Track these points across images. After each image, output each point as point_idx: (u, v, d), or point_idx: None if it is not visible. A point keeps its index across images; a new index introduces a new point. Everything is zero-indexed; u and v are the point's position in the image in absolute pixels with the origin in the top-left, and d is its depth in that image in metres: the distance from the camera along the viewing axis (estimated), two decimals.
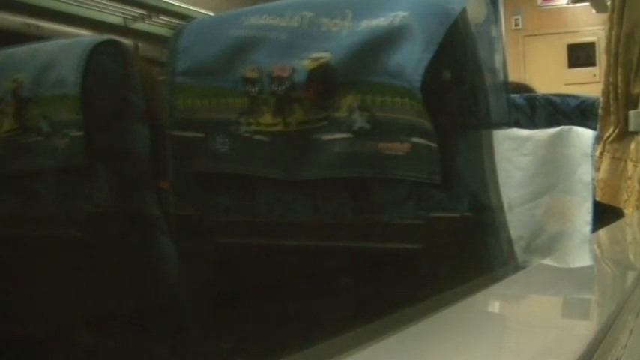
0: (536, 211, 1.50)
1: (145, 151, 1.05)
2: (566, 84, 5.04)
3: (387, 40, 0.87)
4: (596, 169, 1.50)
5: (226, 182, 0.99)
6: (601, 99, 1.51)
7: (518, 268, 0.96)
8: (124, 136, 1.05)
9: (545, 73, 5.27)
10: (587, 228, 1.45)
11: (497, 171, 0.92)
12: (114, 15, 2.88)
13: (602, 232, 1.25)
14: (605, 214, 1.47)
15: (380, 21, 0.88)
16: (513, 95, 1.64)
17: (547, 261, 1.08)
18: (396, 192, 0.89)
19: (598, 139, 1.51)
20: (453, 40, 0.85)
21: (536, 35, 5.74)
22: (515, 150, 1.51)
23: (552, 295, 0.66)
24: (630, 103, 1.47)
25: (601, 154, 1.50)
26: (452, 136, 0.86)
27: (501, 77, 0.99)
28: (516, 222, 1.39)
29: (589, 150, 1.50)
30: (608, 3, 1.55)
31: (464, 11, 0.86)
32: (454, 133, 0.87)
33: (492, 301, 0.63)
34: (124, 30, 2.87)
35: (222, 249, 0.99)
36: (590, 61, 5.51)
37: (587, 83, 4.77)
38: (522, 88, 1.97)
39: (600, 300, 0.65)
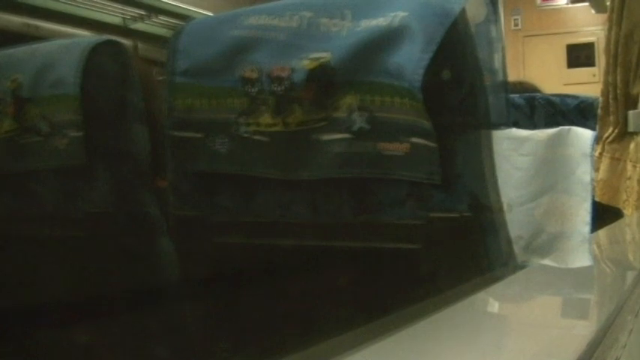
0: (535, 211, 1.50)
1: (145, 151, 1.05)
2: (565, 84, 5.04)
3: (387, 40, 0.87)
4: (596, 169, 1.50)
5: (225, 182, 0.99)
6: (600, 99, 1.52)
7: (517, 268, 0.96)
8: (123, 136, 1.05)
9: (545, 73, 5.27)
10: (587, 228, 1.45)
11: (496, 171, 0.92)
12: (113, 15, 2.89)
13: (601, 232, 1.25)
14: (604, 214, 1.47)
15: (379, 21, 0.88)
16: (512, 95, 1.64)
17: (547, 261, 1.08)
18: (395, 192, 0.88)
19: (597, 140, 1.51)
20: (453, 40, 0.85)
21: (535, 35, 5.75)
22: (514, 150, 1.51)
23: (552, 295, 0.66)
24: (630, 103, 1.47)
25: (600, 154, 1.50)
26: (451, 136, 0.86)
27: (501, 77, 0.99)
28: (516, 222, 1.39)
29: (588, 150, 1.50)
30: (608, 3, 1.55)
31: (463, 11, 0.86)
32: (454, 133, 0.87)
33: (492, 301, 0.63)
34: (123, 30, 2.88)
35: (221, 249, 0.99)
36: (589, 62, 5.52)
37: (587, 83, 4.78)
38: (528, 88, 1.96)
39: (600, 300, 0.65)
